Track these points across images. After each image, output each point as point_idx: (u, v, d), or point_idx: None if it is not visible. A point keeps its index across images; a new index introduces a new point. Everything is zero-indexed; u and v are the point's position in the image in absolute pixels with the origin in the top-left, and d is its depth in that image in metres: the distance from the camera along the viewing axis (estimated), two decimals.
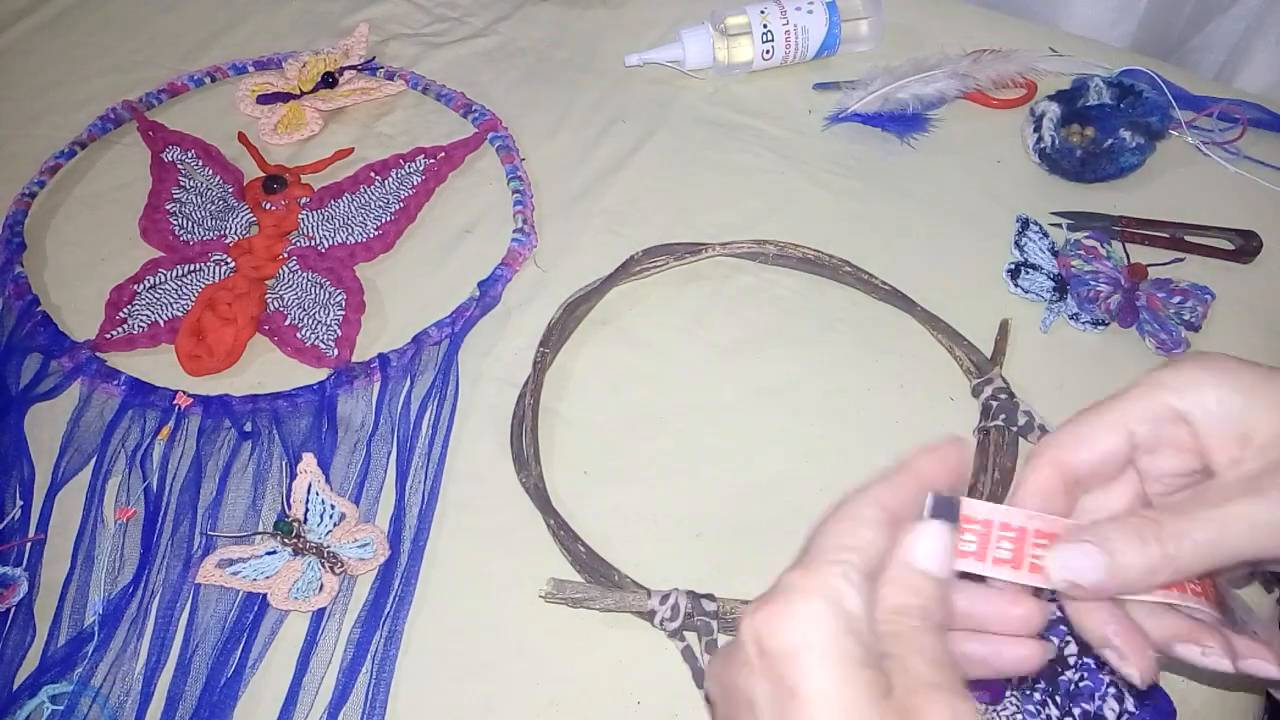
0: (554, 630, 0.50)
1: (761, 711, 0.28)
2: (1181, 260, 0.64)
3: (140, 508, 0.54)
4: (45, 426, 0.57)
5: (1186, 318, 0.60)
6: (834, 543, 0.30)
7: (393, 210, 0.67)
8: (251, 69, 0.77)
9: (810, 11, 0.74)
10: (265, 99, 0.74)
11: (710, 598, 0.48)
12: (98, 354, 0.60)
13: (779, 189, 0.69)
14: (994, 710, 0.46)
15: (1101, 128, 0.68)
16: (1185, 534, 0.31)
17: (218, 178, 0.69)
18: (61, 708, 0.47)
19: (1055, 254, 0.64)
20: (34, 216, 0.68)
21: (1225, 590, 0.36)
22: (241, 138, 0.72)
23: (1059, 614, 0.48)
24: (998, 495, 0.53)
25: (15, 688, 0.48)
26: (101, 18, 0.81)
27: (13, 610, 0.50)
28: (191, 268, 0.64)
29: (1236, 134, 0.71)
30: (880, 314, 0.62)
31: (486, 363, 0.60)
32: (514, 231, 0.66)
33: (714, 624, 0.48)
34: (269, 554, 0.52)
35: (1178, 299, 0.61)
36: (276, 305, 0.62)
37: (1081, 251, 0.63)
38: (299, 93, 0.74)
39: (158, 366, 0.60)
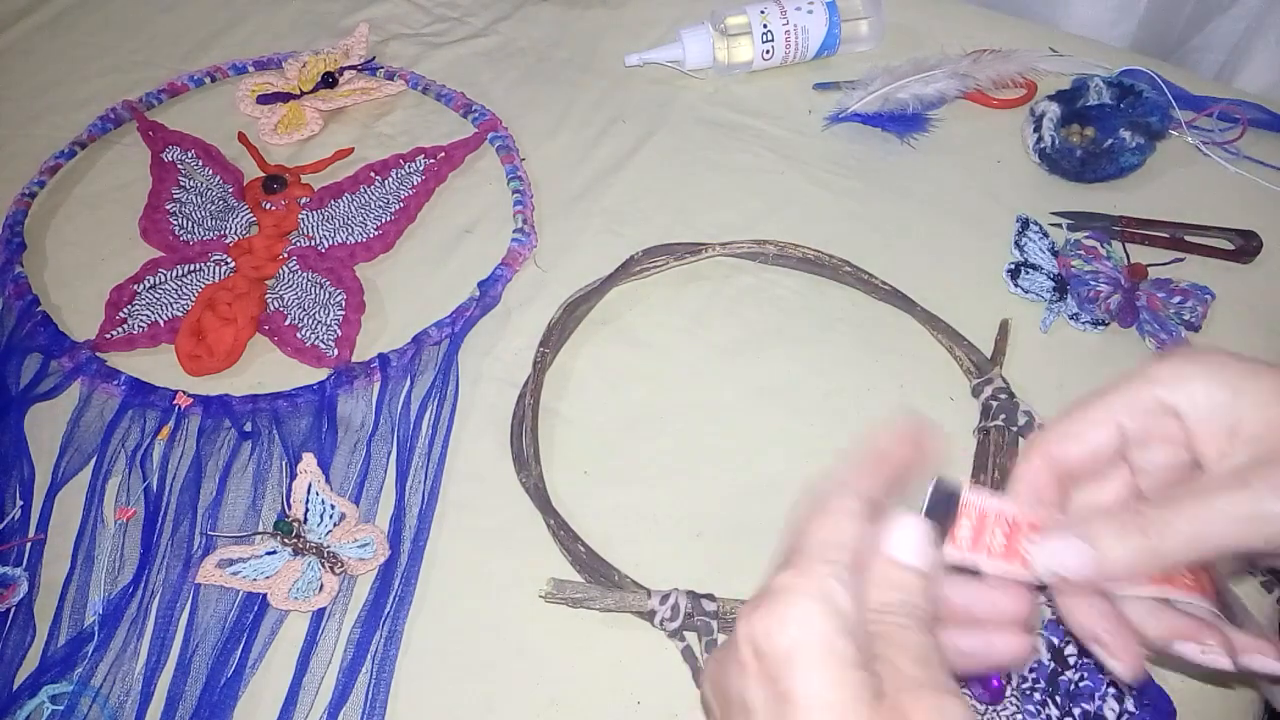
0: (554, 630, 0.50)
1: (756, 715, 0.28)
2: (1181, 260, 0.64)
3: (140, 508, 0.54)
4: (45, 426, 0.57)
5: (1186, 318, 0.60)
6: (820, 539, 0.30)
7: (393, 210, 0.67)
8: (251, 69, 0.77)
9: (810, 11, 0.74)
10: (265, 99, 0.74)
11: (710, 598, 0.48)
12: (98, 354, 0.60)
13: (779, 189, 0.69)
14: (994, 710, 0.46)
15: (1101, 128, 0.68)
16: (1169, 526, 0.31)
17: (218, 178, 0.69)
18: (61, 708, 0.47)
19: (1055, 254, 0.64)
20: (34, 216, 0.68)
21: (1224, 586, 0.36)
22: (241, 138, 0.72)
23: (1058, 614, 0.49)
24: None
25: (15, 688, 0.48)
26: (101, 18, 0.81)
27: (13, 610, 0.50)
28: (191, 268, 0.64)
29: (1236, 134, 0.71)
30: (880, 314, 0.62)
31: (486, 363, 0.60)
32: (514, 231, 0.66)
33: (714, 624, 0.48)
34: (269, 554, 0.52)
35: (1178, 299, 0.61)
36: (276, 305, 0.62)
37: (1081, 251, 0.63)
38: (299, 93, 0.74)
39: (158, 366, 0.60)
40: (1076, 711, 0.46)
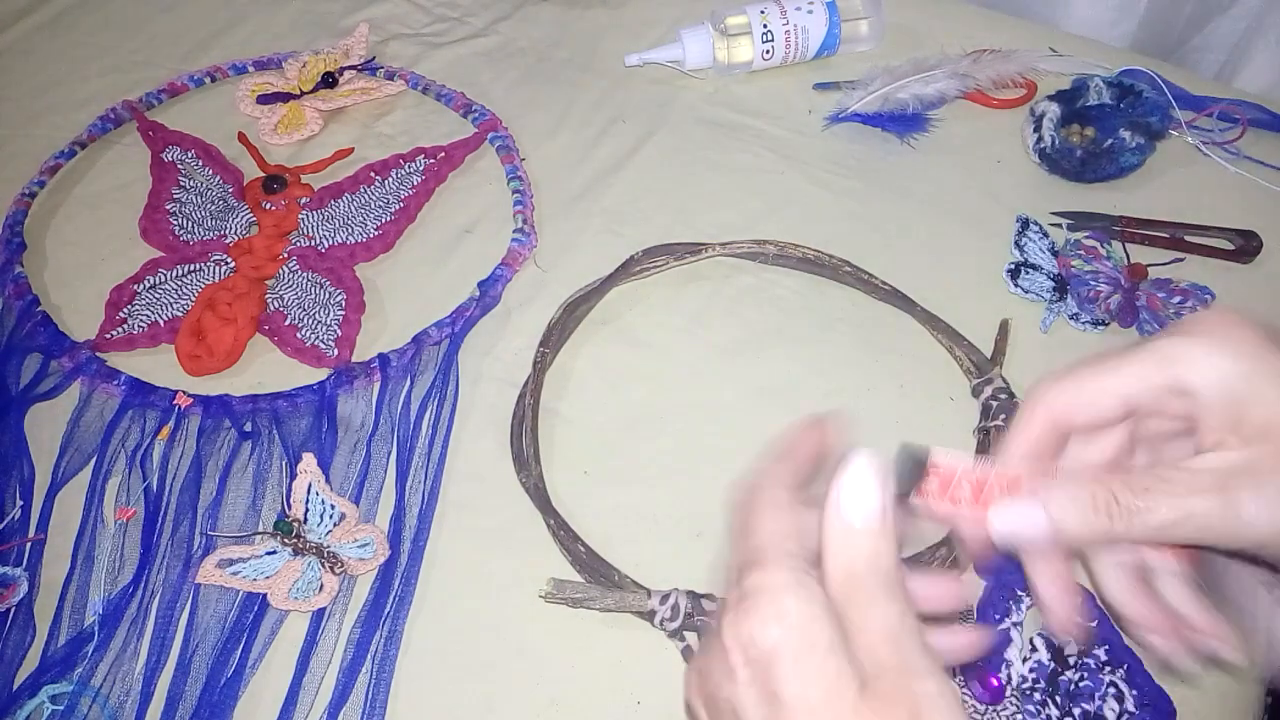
0: (554, 630, 0.50)
1: (748, 718, 0.28)
2: (1181, 260, 0.64)
3: (140, 508, 0.54)
4: (45, 426, 0.57)
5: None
6: (768, 533, 0.30)
7: (393, 210, 0.67)
8: (251, 69, 0.77)
9: (810, 11, 0.74)
10: (265, 99, 0.74)
11: (710, 598, 0.48)
12: (98, 354, 0.60)
13: (779, 189, 0.69)
14: (994, 710, 0.46)
15: (1101, 128, 0.68)
16: (1136, 516, 0.32)
17: (218, 178, 0.69)
18: (61, 708, 0.47)
19: (1055, 254, 0.64)
20: (34, 216, 0.68)
21: (1212, 556, 0.36)
22: (241, 138, 0.72)
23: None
24: None
25: (15, 688, 0.48)
26: (101, 18, 0.81)
27: (13, 610, 0.50)
28: (191, 268, 0.64)
29: (1236, 134, 0.71)
30: (880, 314, 0.62)
31: (486, 363, 0.60)
32: (514, 231, 0.66)
33: (713, 624, 0.48)
34: (269, 554, 0.52)
35: (1178, 299, 0.61)
36: (276, 305, 0.62)
37: (1081, 251, 0.63)
38: (299, 93, 0.74)
39: (158, 366, 0.60)
40: (1076, 711, 0.46)
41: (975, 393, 0.58)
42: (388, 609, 0.50)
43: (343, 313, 0.62)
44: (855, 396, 0.58)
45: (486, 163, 0.71)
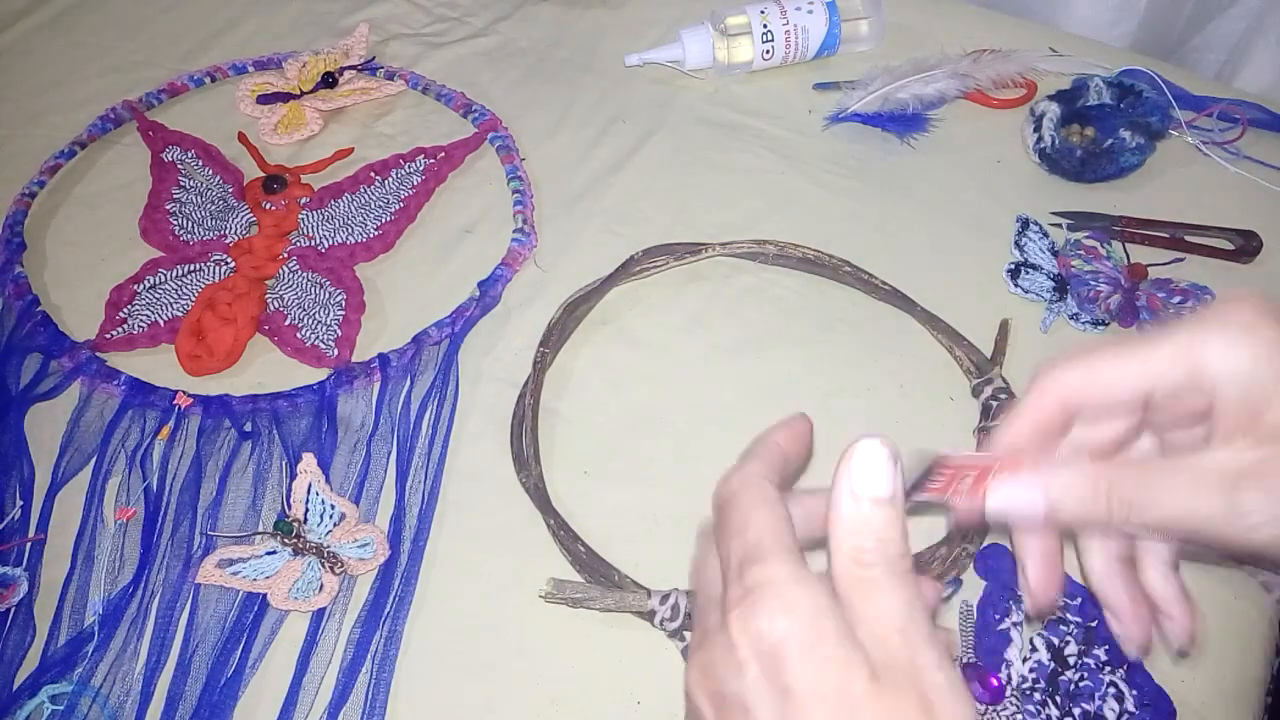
0: (554, 630, 0.50)
1: (757, 713, 0.28)
2: (1181, 260, 0.64)
3: (140, 508, 0.54)
4: (45, 426, 0.57)
5: (1186, 318, 0.60)
6: (765, 526, 0.30)
7: (393, 210, 0.67)
8: (251, 69, 0.77)
9: (810, 11, 0.74)
10: (265, 99, 0.74)
11: None
12: (98, 354, 0.60)
13: (779, 189, 0.69)
14: (994, 710, 0.46)
15: (1101, 128, 0.68)
16: (1136, 507, 0.31)
17: (218, 178, 0.69)
18: (61, 708, 0.47)
19: (1055, 254, 0.64)
20: (34, 216, 0.68)
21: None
22: (241, 138, 0.72)
23: (1058, 614, 0.49)
24: None
25: (15, 688, 0.48)
26: (101, 18, 0.81)
27: (13, 610, 0.50)
28: (191, 268, 0.64)
29: (1236, 134, 0.71)
30: (880, 314, 0.62)
31: (486, 363, 0.60)
32: (514, 231, 0.66)
33: None
34: (269, 554, 0.52)
35: (1178, 299, 0.61)
36: (276, 305, 0.62)
37: (1081, 251, 0.63)
38: (299, 93, 0.74)
39: (158, 366, 0.60)
40: (1076, 711, 0.46)
41: (975, 393, 0.58)
42: (388, 609, 0.50)
43: (343, 313, 0.62)
44: (855, 396, 0.58)
45: (486, 163, 0.71)
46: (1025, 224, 0.65)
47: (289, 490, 0.54)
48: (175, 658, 0.49)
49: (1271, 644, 0.51)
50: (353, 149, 0.71)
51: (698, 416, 0.58)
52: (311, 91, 0.74)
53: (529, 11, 0.82)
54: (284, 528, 0.52)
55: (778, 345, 0.61)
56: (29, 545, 0.52)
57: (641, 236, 0.65)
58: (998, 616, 0.48)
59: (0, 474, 0.55)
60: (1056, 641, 0.48)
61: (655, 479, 0.55)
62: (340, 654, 0.49)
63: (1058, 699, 0.46)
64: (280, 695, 0.48)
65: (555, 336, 0.59)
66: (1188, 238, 0.65)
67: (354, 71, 0.76)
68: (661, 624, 0.48)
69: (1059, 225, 0.66)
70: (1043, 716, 0.46)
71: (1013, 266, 0.63)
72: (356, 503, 0.54)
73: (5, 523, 0.53)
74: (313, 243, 0.66)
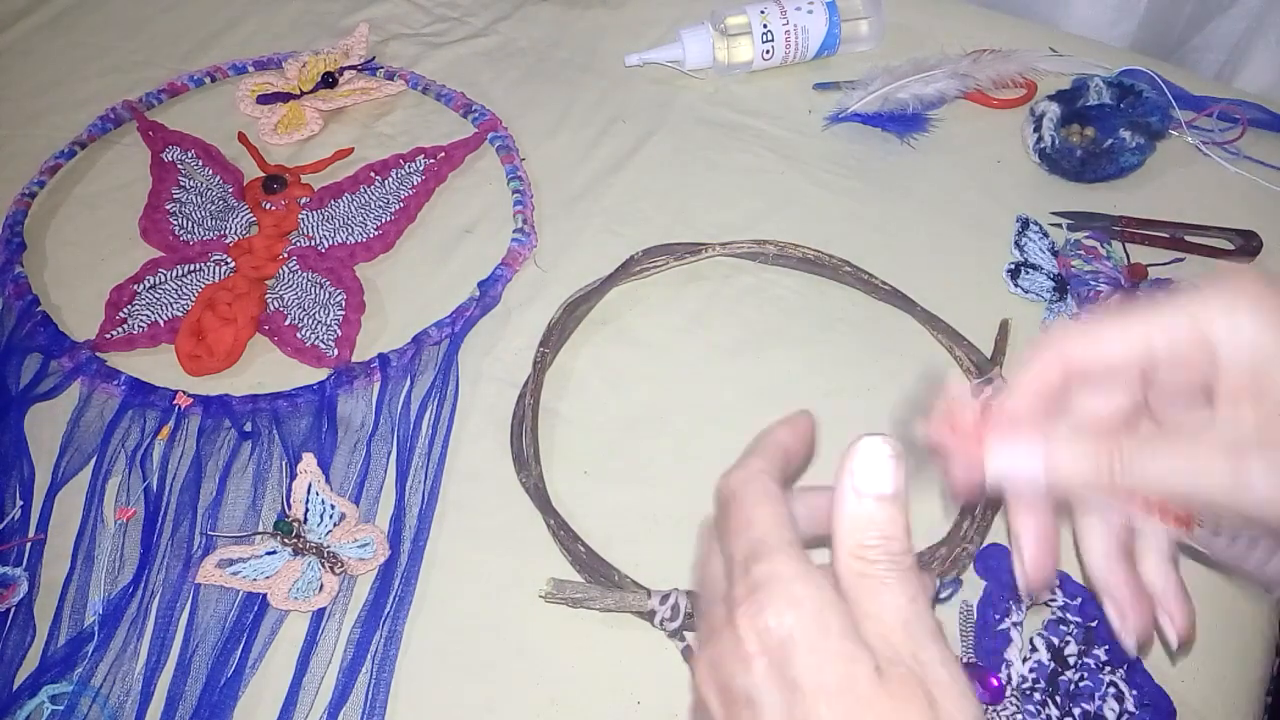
0: (554, 630, 0.50)
1: (764, 708, 0.28)
2: (1181, 260, 0.64)
3: (140, 508, 0.54)
4: (45, 426, 0.57)
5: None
6: (769, 523, 0.30)
7: (393, 210, 0.67)
8: (251, 69, 0.77)
9: (810, 11, 0.74)
10: (265, 99, 0.74)
11: None
12: (98, 354, 0.60)
13: (779, 189, 0.69)
14: (994, 710, 0.46)
15: (1101, 128, 0.68)
16: (1138, 468, 0.31)
17: (218, 178, 0.69)
18: (61, 708, 0.47)
19: (1055, 254, 0.64)
20: (34, 216, 0.68)
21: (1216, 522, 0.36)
22: (241, 138, 0.72)
23: (1058, 614, 0.49)
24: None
25: (15, 688, 0.48)
26: (101, 18, 0.81)
27: (13, 610, 0.50)
28: (191, 268, 0.64)
29: (1236, 134, 0.71)
30: (880, 314, 0.62)
31: (486, 363, 0.60)
32: (514, 231, 0.66)
33: None
34: (269, 554, 0.52)
35: None
36: (276, 305, 0.62)
37: (1081, 251, 0.63)
38: (299, 93, 0.74)
39: (158, 366, 0.60)
40: (1076, 711, 0.46)
41: (975, 393, 0.57)
42: (388, 609, 0.50)
43: (343, 313, 0.62)
44: (855, 396, 0.58)
45: (486, 163, 0.71)
46: (1025, 224, 0.65)
47: (289, 490, 0.54)
48: (175, 658, 0.49)
49: (1271, 644, 0.51)
50: (353, 149, 0.71)
51: (698, 416, 0.58)
52: (311, 91, 0.74)
53: (529, 11, 0.82)
54: (284, 528, 0.52)
55: (778, 345, 0.61)
56: (29, 545, 0.52)
57: (641, 236, 0.65)
58: (998, 616, 0.48)
59: (0, 474, 0.55)
60: (1056, 641, 0.48)
61: (655, 479, 0.55)
62: (340, 654, 0.49)
63: (1058, 699, 0.46)
64: (280, 695, 0.48)
65: (555, 336, 0.59)
66: (1188, 238, 0.65)
67: (354, 71, 0.76)
68: (661, 624, 0.48)
69: (1059, 225, 0.66)
70: (1043, 716, 0.46)
71: (1013, 266, 0.63)
72: (356, 503, 0.54)
73: (5, 523, 0.53)
74: (313, 243, 0.66)
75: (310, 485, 0.54)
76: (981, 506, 0.52)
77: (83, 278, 0.64)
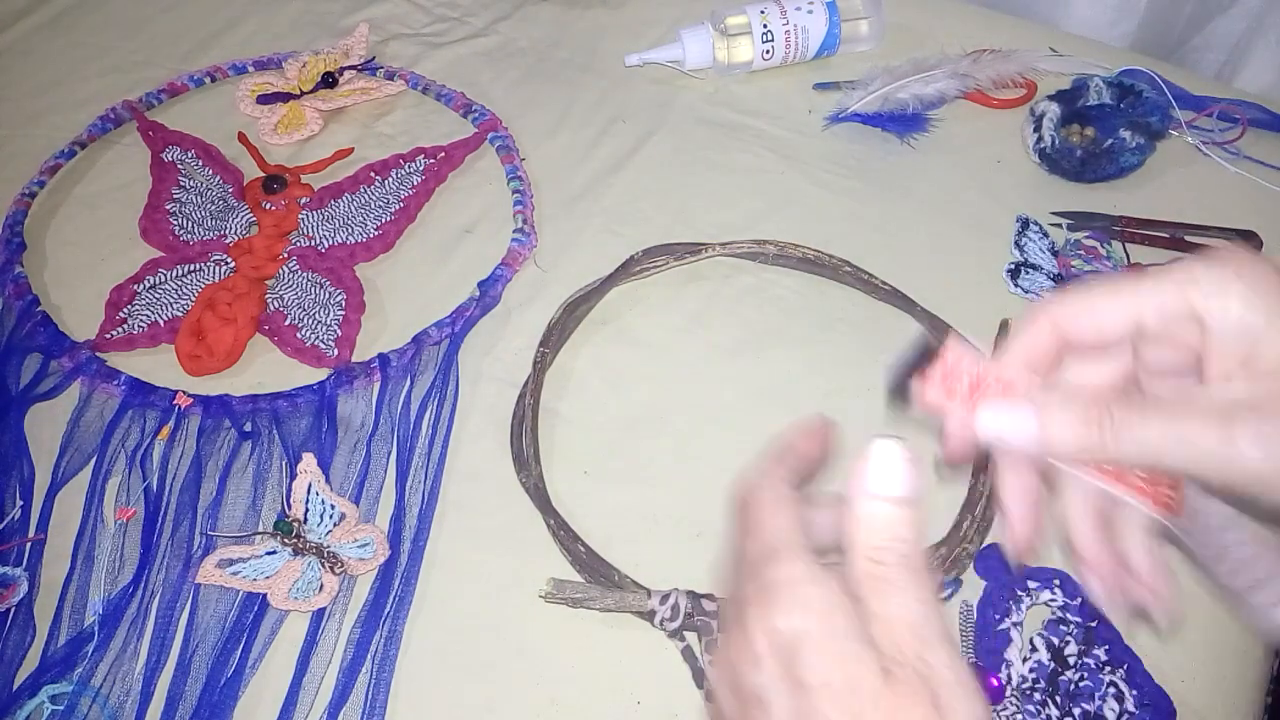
0: (554, 630, 0.50)
1: (773, 707, 0.28)
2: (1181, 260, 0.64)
3: (140, 508, 0.54)
4: (45, 426, 0.57)
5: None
6: (781, 527, 0.31)
7: (393, 210, 0.67)
8: (251, 69, 0.77)
9: (810, 11, 0.74)
10: (265, 99, 0.74)
11: (710, 598, 0.48)
12: (98, 354, 0.60)
13: (779, 189, 0.69)
14: (994, 710, 0.46)
15: (1101, 128, 0.68)
16: (1128, 431, 0.31)
17: (218, 178, 0.69)
18: (61, 708, 0.47)
19: (1055, 254, 0.64)
20: (34, 216, 0.68)
21: (1201, 502, 0.36)
22: (241, 138, 0.72)
23: (1058, 614, 0.49)
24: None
25: (15, 688, 0.48)
26: (101, 18, 0.81)
27: (13, 610, 0.50)
28: (191, 268, 0.64)
29: (1236, 134, 0.71)
30: (880, 314, 0.62)
31: (486, 363, 0.60)
32: (514, 231, 0.66)
33: (714, 624, 0.48)
34: (269, 554, 0.52)
35: None
36: (276, 305, 0.62)
37: (1081, 251, 0.63)
38: (299, 93, 0.74)
39: (158, 366, 0.60)
40: (1076, 711, 0.46)
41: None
42: (388, 609, 0.50)
43: (343, 313, 0.62)
44: (855, 396, 0.58)
45: (486, 163, 0.71)
46: (1025, 224, 0.65)
47: (289, 490, 0.54)
48: (175, 658, 0.49)
49: (1271, 644, 0.51)
50: (353, 149, 0.71)
51: (698, 416, 0.58)
52: (311, 91, 0.74)
53: (529, 11, 0.82)
54: (284, 528, 0.52)
55: (778, 345, 0.61)
56: (29, 545, 0.52)
57: (641, 236, 0.65)
58: (998, 616, 0.48)
59: (0, 474, 0.55)
60: (1056, 641, 0.48)
61: (655, 479, 0.55)
62: (340, 654, 0.49)
63: (1058, 699, 0.46)
64: (280, 695, 0.48)
65: (555, 336, 0.59)
66: (1188, 238, 0.65)
67: (354, 71, 0.76)
68: (661, 624, 0.48)
69: (1059, 225, 0.66)
70: (1043, 716, 0.46)
71: (1013, 266, 0.63)
72: (356, 503, 0.54)
73: (5, 523, 0.53)
74: (313, 243, 0.66)
75: (310, 485, 0.54)
76: (981, 507, 0.52)
77: (83, 278, 0.64)
